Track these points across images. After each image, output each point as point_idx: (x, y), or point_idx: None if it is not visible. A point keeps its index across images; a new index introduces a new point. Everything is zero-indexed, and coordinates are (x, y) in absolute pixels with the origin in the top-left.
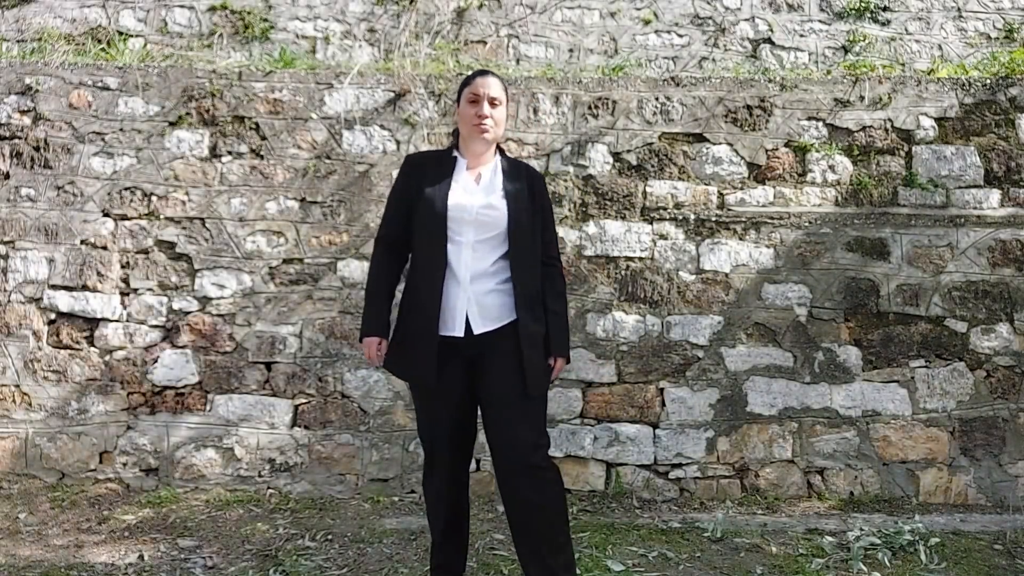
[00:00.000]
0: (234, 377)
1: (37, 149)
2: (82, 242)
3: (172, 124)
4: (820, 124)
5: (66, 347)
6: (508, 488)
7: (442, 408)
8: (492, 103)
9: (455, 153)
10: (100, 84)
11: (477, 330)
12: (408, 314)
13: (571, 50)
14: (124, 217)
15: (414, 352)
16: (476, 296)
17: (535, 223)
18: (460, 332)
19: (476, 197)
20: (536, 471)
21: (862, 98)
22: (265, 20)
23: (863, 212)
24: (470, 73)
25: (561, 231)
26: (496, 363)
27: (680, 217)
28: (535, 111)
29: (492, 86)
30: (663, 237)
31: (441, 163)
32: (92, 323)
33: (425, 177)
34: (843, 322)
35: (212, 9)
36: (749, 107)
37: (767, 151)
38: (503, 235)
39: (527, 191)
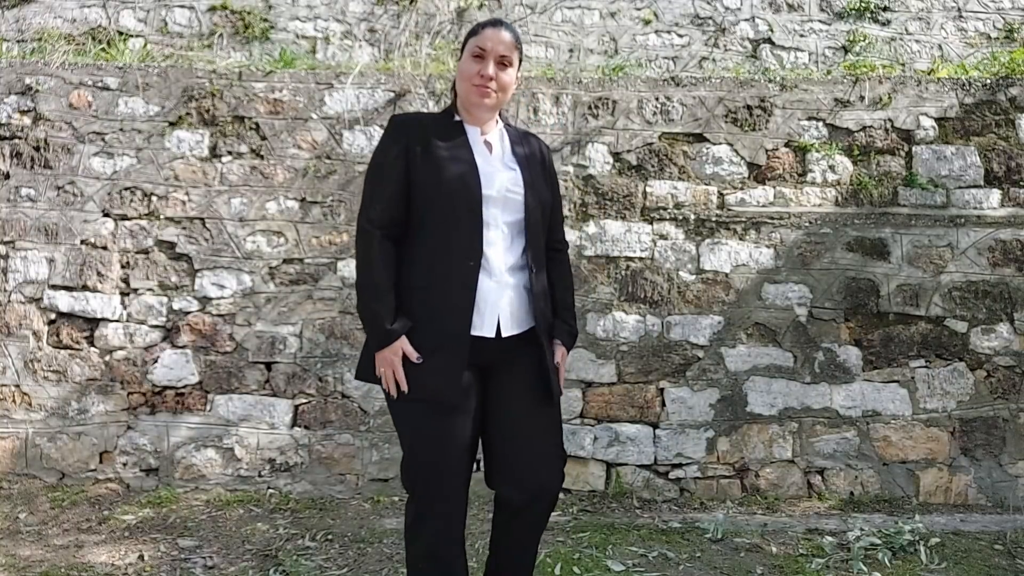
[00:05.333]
0: (234, 377)
1: (37, 149)
2: (82, 242)
3: (172, 124)
4: (820, 124)
5: (66, 347)
6: (517, 518)
7: (460, 430)
8: (501, 62)
9: (457, 117)
10: (100, 84)
11: (507, 332)
12: (423, 317)
13: (571, 50)
14: (124, 217)
15: (433, 363)
16: (509, 291)
17: (546, 203)
18: (491, 333)
19: (499, 171)
20: (549, 505)
21: (862, 98)
22: (265, 20)
23: (863, 212)
24: (480, 22)
25: None
26: (519, 370)
27: (680, 217)
28: (535, 111)
29: (503, 41)
30: (663, 237)
31: (444, 128)
32: (92, 323)
33: (431, 144)
34: (843, 322)
35: (212, 9)
36: (749, 107)
37: (767, 151)
38: (523, 219)
39: (539, 166)
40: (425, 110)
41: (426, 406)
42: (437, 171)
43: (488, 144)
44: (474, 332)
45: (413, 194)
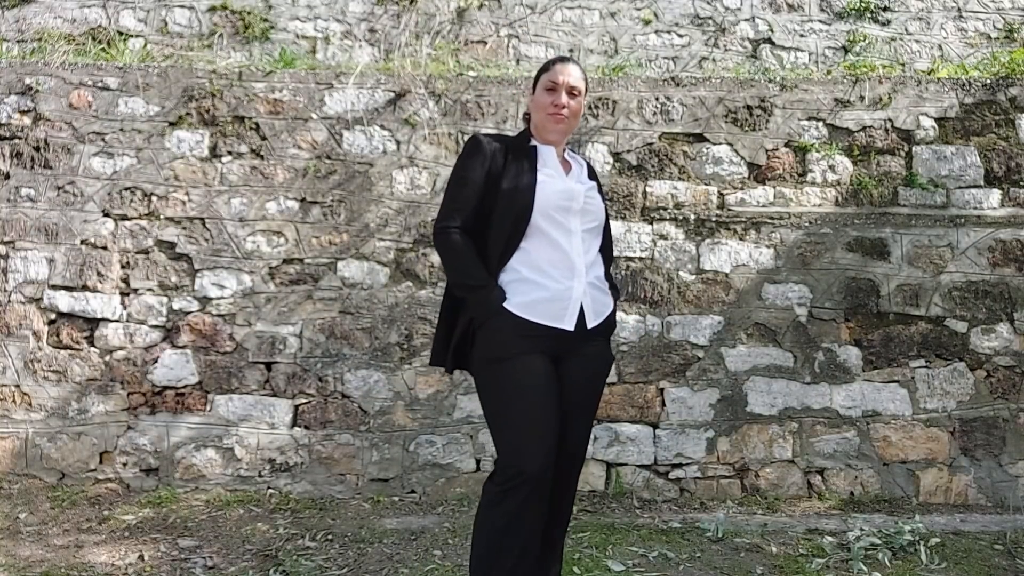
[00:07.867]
0: (234, 377)
1: (37, 149)
2: (82, 242)
3: (172, 124)
4: (820, 124)
5: (66, 347)
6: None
7: (554, 402)
8: (571, 92)
9: (533, 141)
10: (100, 84)
11: (591, 324)
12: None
13: (571, 50)
14: (124, 217)
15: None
16: (591, 288)
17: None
18: (571, 326)
19: (576, 186)
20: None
21: (862, 98)
22: (265, 20)
23: (863, 212)
24: (551, 59)
25: None
26: (588, 364)
27: (680, 217)
28: None
29: (572, 74)
30: (663, 237)
31: (520, 149)
32: (92, 323)
33: (509, 162)
34: (843, 322)
35: (212, 9)
36: (749, 107)
37: (767, 151)
38: (600, 227)
39: (597, 181)
40: (425, 110)
41: (528, 377)
42: (501, 184)
43: (566, 164)
44: (556, 325)
45: (483, 204)
